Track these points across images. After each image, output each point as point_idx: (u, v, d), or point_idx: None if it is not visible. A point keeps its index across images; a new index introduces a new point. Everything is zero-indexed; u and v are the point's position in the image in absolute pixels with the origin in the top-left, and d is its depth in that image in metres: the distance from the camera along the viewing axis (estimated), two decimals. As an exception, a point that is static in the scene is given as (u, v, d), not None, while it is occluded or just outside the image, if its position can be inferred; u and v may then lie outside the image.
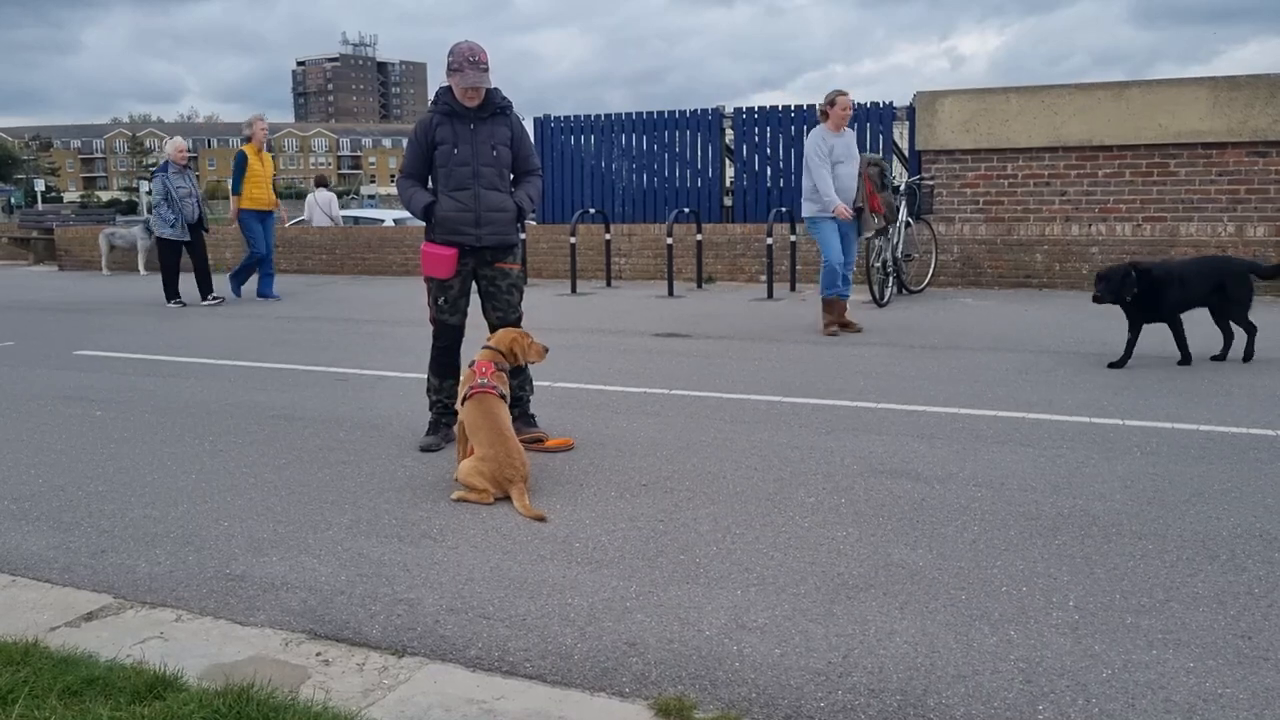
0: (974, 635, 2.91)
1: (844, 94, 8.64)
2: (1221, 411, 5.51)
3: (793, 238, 12.10)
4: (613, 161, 14.81)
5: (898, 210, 10.30)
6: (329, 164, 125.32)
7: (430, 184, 5.09)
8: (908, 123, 12.97)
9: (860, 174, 8.79)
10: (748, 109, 14.11)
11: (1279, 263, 7.65)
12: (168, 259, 11.78)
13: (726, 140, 14.22)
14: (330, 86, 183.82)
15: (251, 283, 12.27)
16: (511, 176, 5.10)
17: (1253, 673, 2.66)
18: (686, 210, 13.01)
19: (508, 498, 4.16)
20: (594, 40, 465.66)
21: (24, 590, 3.41)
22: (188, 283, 11.77)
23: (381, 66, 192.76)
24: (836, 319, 8.63)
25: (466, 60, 4.77)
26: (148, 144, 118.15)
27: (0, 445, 5.32)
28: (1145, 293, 6.50)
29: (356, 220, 19.69)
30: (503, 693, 2.66)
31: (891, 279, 10.57)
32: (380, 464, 4.84)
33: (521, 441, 4.46)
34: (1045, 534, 3.70)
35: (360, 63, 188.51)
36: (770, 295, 11.29)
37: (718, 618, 3.07)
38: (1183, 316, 6.71)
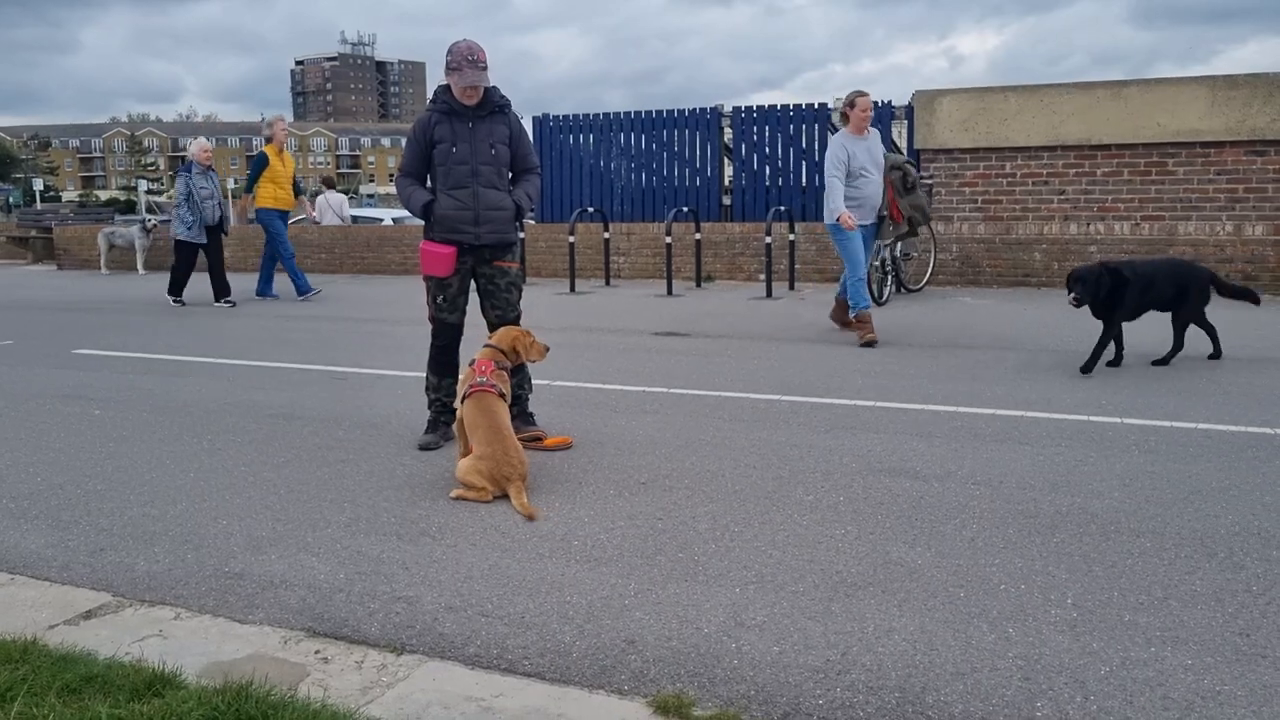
0: (972, 633, 2.91)
1: (864, 95, 8.10)
2: (1219, 410, 5.51)
3: (791, 237, 12.10)
4: (611, 160, 14.81)
5: (928, 210, 10.03)
6: (328, 163, 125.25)
7: (429, 182, 5.09)
8: (906, 122, 12.98)
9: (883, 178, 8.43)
10: (746, 108, 14.12)
11: (1243, 286, 7.56)
12: (183, 259, 11.72)
13: (725, 139, 14.22)
14: (329, 86, 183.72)
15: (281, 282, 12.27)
16: (510, 175, 5.10)
17: (1250, 670, 2.66)
18: (685, 209, 13.02)
19: (506, 496, 4.16)
20: (593, 40, 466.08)
21: (23, 588, 3.41)
22: (198, 284, 11.70)
23: (380, 66, 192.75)
24: (844, 317, 8.45)
25: (465, 59, 4.78)
26: (146, 143, 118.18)
27: (-1, 444, 5.32)
28: (1113, 291, 6.49)
29: (355, 219, 19.70)
30: (501, 690, 2.67)
31: (890, 278, 10.57)
32: (379, 462, 4.84)
33: (520, 440, 4.46)
34: (1044, 532, 3.71)
35: (359, 62, 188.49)
36: (769, 294, 11.29)
37: (716, 615, 3.07)
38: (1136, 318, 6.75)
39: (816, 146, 13.51)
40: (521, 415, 5.11)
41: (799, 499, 4.15)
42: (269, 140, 12.02)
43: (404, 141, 5.49)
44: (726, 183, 14.31)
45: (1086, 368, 6.50)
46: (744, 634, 2.94)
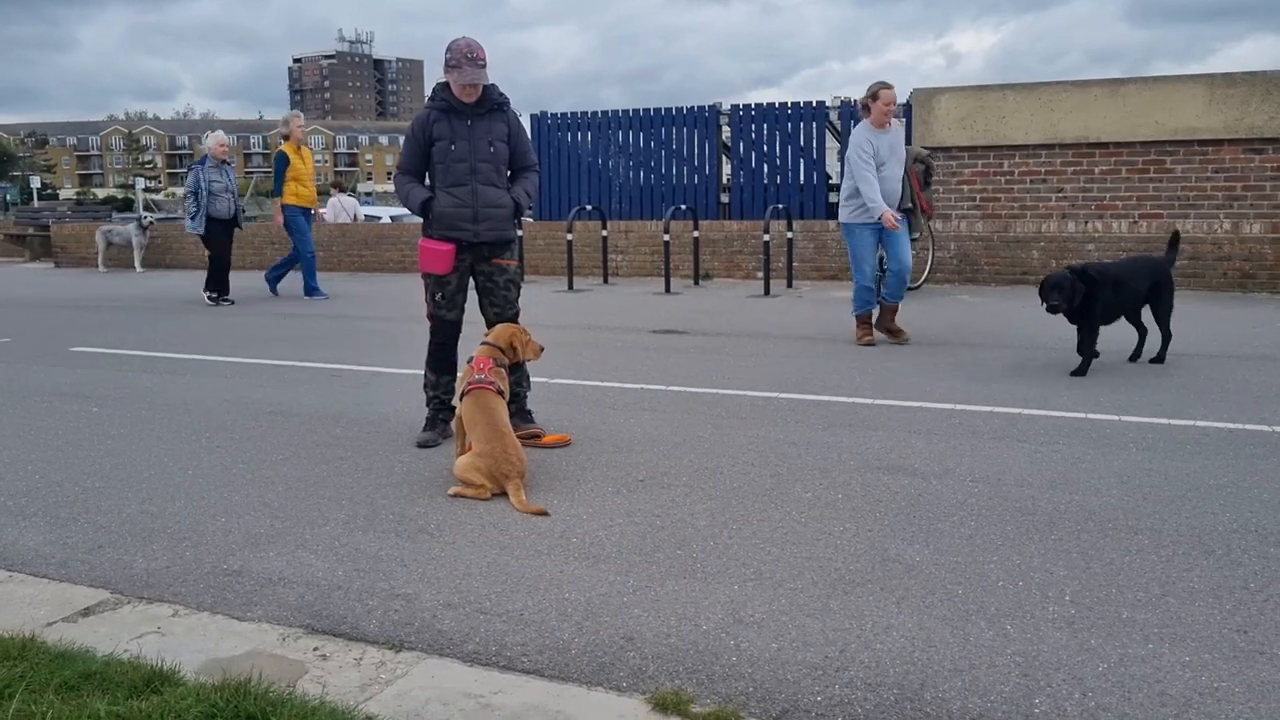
0: (971, 630, 2.92)
1: (888, 87, 7.59)
2: (1217, 407, 5.52)
3: (789, 234, 12.10)
4: (609, 158, 14.80)
5: (933, 204, 9.97)
6: (325, 161, 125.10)
7: (428, 180, 5.09)
8: (904, 120, 12.97)
9: (907, 172, 8.16)
10: (744, 106, 14.11)
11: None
12: (212, 254, 11.68)
13: (723, 137, 14.22)
14: (327, 84, 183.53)
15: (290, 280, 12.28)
16: (509, 173, 5.10)
17: (1248, 666, 2.67)
18: (683, 207, 13.02)
19: (505, 493, 4.16)
20: (590, 38, 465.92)
21: (21, 586, 3.41)
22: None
23: (378, 64, 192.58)
24: (889, 325, 7.96)
25: (464, 57, 4.77)
26: (144, 141, 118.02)
27: (-4, 441, 5.31)
28: (1087, 295, 6.48)
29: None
30: (500, 687, 2.67)
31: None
32: (377, 459, 4.84)
33: (519, 437, 4.46)
34: (1042, 529, 3.71)
35: (357, 60, 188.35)
36: (767, 292, 11.29)
37: (715, 612, 3.07)
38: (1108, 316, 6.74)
39: (814, 144, 13.52)
40: (520, 413, 5.11)
41: (797, 496, 4.15)
42: (286, 138, 11.91)
43: (402, 139, 5.48)
44: (724, 181, 14.30)
45: (1079, 372, 6.46)
46: (742, 631, 2.94)
